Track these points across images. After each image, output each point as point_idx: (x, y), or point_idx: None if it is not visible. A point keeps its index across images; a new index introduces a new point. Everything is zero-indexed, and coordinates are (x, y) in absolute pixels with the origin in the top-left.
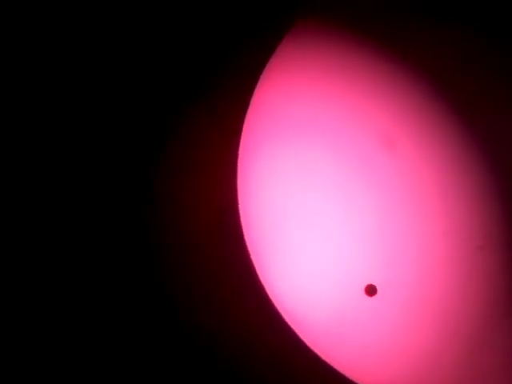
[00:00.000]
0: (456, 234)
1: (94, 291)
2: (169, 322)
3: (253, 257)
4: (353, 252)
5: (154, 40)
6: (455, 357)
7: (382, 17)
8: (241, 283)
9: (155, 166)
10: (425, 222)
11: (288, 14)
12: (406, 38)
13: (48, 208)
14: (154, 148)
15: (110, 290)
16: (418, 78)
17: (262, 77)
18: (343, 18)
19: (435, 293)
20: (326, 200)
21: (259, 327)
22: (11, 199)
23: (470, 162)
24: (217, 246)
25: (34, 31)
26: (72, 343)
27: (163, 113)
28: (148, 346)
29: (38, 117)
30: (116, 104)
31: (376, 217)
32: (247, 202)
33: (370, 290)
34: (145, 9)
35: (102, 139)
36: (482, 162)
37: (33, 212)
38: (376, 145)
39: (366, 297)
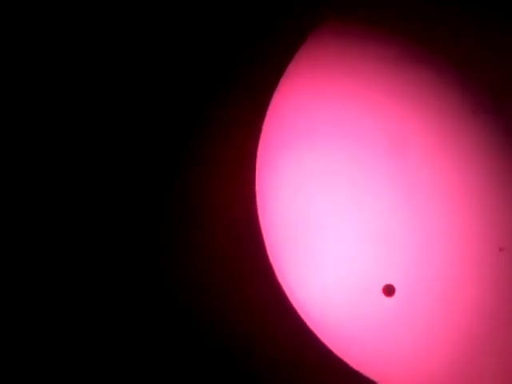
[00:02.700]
0: (480, 235)
1: (107, 292)
2: (185, 325)
3: (271, 258)
4: (375, 253)
5: (175, 40)
6: (475, 356)
7: (406, 18)
8: (259, 285)
9: (173, 171)
10: (448, 223)
11: (311, 15)
12: (431, 39)
13: (63, 206)
14: (172, 153)
15: (123, 292)
16: (444, 77)
17: (282, 78)
18: (366, 20)
19: (456, 293)
20: (349, 201)
21: (278, 328)
22: (26, 198)
23: (496, 161)
24: (236, 250)
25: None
26: (78, 343)
27: (181, 116)
28: (162, 346)
29: (53, 118)
30: (135, 107)
31: (398, 218)
32: (266, 205)
33: (388, 291)
34: (163, 12)
35: (121, 142)
36: (507, 161)
37: (40, 210)
38: (400, 146)
39: (383, 296)
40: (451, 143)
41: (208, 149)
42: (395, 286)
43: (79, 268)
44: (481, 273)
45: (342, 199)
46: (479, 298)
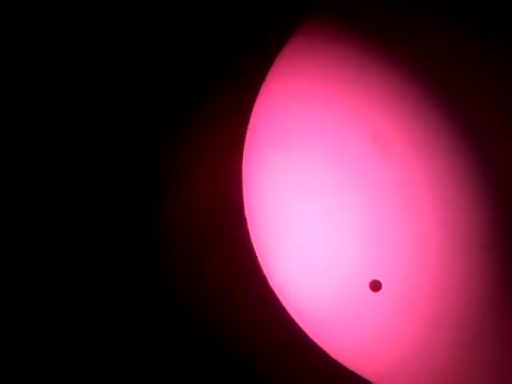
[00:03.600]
0: (456, 232)
1: (93, 288)
2: (169, 316)
3: (257, 253)
4: (357, 248)
5: (156, 45)
6: (453, 350)
7: (390, 18)
8: (246, 281)
9: (158, 169)
10: (434, 222)
11: (294, 15)
12: (412, 41)
13: (49, 206)
14: (157, 151)
15: (110, 287)
16: (426, 83)
17: (268, 76)
18: (350, 21)
19: (434, 291)
20: (331, 197)
21: (262, 319)
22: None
23: (471, 161)
24: (222, 244)
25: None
26: (71, 343)
27: (166, 115)
28: (147, 340)
29: (41, 117)
30: (118, 108)
31: (378, 216)
32: (252, 200)
33: (375, 286)
34: (144, 15)
35: (104, 141)
36: (481, 161)
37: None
38: (378, 148)
39: (369, 291)
40: (428, 146)
41: (194, 144)
42: (383, 281)
43: (59, 261)
44: (467, 269)
45: (328, 195)
46: (459, 294)
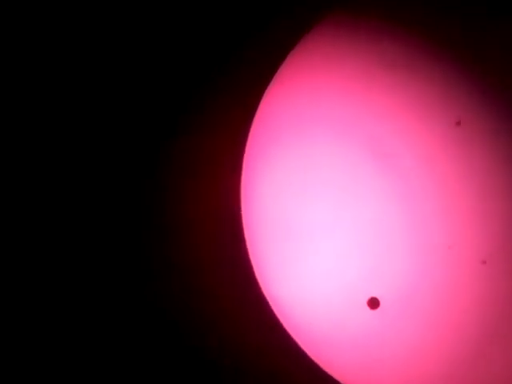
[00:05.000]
0: (460, 247)
1: (90, 295)
2: (166, 328)
3: (254, 265)
4: (355, 263)
5: (161, 38)
6: (457, 366)
7: (415, 16)
8: (242, 291)
9: (157, 170)
10: (428, 236)
11: (314, 7)
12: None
13: (48, 211)
14: (156, 153)
15: (106, 296)
16: (449, 72)
17: (277, 73)
18: (365, 17)
19: (438, 306)
20: (331, 210)
21: (260, 337)
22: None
23: (475, 174)
24: (217, 252)
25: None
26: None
27: (167, 114)
28: (144, 349)
29: (40, 115)
30: (119, 105)
31: (379, 228)
32: (250, 209)
33: (373, 303)
34: (154, 10)
35: (104, 141)
36: (486, 174)
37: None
38: (391, 153)
39: (367, 309)
40: (441, 153)
41: (194, 152)
42: (380, 297)
43: (53, 276)
44: (463, 285)
45: (329, 206)
46: (462, 310)
